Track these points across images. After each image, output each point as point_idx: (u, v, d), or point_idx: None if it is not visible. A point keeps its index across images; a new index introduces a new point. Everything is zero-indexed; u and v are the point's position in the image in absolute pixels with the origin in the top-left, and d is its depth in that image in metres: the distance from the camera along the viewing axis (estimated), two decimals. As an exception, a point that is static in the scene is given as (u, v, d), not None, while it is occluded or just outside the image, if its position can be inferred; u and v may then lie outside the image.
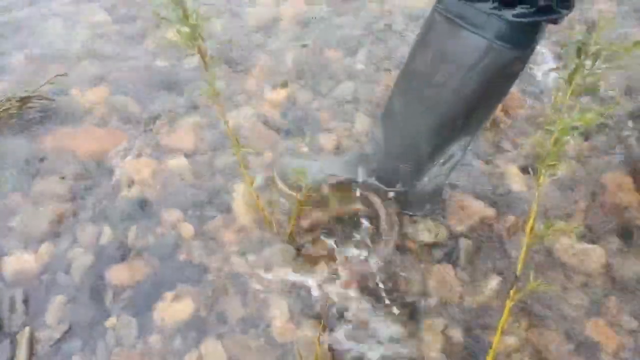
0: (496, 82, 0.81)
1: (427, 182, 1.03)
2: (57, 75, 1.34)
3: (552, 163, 0.75)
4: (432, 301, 1.00)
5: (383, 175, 1.05)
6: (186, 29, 0.73)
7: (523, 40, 0.76)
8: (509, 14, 0.72)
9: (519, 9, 0.72)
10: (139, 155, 1.23)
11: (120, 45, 1.52)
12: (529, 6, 0.72)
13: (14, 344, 0.90)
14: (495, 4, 0.72)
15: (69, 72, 1.41)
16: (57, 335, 0.92)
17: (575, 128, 0.73)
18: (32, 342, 0.90)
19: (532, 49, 0.80)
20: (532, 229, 0.79)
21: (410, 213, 1.11)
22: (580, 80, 0.72)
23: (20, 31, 1.55)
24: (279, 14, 1.63)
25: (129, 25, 1.60)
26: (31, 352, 0.89)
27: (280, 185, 1.13)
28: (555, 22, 0.72)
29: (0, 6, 1.61)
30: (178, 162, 1.23)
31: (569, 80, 0.73)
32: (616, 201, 1.15)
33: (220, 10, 1.63)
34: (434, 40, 0.81)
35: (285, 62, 1.49)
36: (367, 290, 1.01)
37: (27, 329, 0.91)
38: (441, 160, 0.99)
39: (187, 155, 1.24)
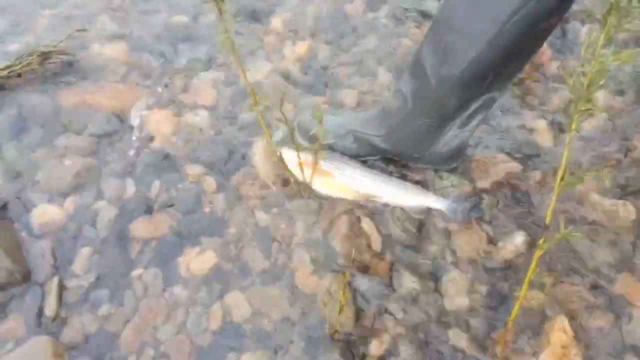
0: (532, 34, 0.78)
1: (452, 138, 1.01)
2: (77, 30, 1.32)
3: (585, 108, 0.72)
4: (456, 255, 0.99)
5: (404, 135, 1.03)
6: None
7: None
8: None
9: None
10: (160, 110, 1.23)
11: (138, 0, 1.50)
12: None
13: (43, 292, 0.92)
14: None
15: (88, 27, 1.39)
16: (85, 285, 0.94)
17: (607, 71, 0.70)
18: (61, 290, 0.92)
19: (571, 1, 0.76)
20: (562, 177, 0.77)
21: (434, 167, 1.10)
22: (614, 21, 0.68)
23: (37, -13, 1.53)
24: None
25: (145, -20, 1.56)
26: (60, 300, 0.92)
27: (301, 139, 1.12)
28: None
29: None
30: (198, 117, 1.22)
31: (604, 21, 0.69)
32: (648, 157, 1.11)
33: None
34: None
35: (305, 16, 1.45)
36: (389, 243, 1.01)
37: (55, 278, 0.93)
38: (467, 115, 0.96)
39: (207, 110, 1.23)
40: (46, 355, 0.84)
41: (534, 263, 0.80)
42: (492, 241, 1.02)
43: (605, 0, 0.67)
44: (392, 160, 1.12)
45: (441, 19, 0.86)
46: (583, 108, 0.72)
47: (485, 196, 1.06)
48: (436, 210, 1.04)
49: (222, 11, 0.77)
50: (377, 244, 1.00)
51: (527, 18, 0.75)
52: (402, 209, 1.04)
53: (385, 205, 1.05)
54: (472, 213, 1.04)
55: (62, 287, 0.92)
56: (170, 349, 0.88)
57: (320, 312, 0.92)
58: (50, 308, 0.89)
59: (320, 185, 1.06)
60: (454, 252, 1.00)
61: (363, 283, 0.96)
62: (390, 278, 0.97)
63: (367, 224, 1.02)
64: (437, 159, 1.06)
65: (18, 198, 1.07)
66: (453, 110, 0.94)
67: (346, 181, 1.05)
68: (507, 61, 0.84)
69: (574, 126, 0.73)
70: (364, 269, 0.98)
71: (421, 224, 1.02)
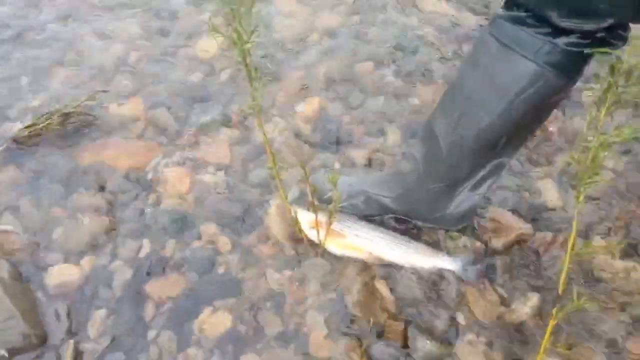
0: (542, 107, 0.82)
1: (463, 200, 1.03)
2: (98, 91, 1.37)
3: (591, 181, 0.75)
4: (470, 318, 0.99)
5: (415, 197, 1.05)
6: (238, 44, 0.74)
7: (573, 68, 0.77)
8: (563, 41, 0.72)
9: (573, 38, 0.72)
10: (175, 169, 1.25)
11: (154, 59, 1.55)
12: (582, 35, 0.72)
13: (59, 356, 0.92)
14: (550, 31, 0.72)
15: (105, 86, 1.44)
16: (100, 348, 0.94)
17: (612, 144, 0.72)
18: (76, 354, 0.92)
19: (579, 77, 0.80)
20: (572, 247, 0.79)
21: (445, 228, 1.11)
22: (614, 97, 0.72)
23: (57, 46, 1.59)
24: (311, 26, 1.65)
25: (161, 39, 1.63)
26: (75, 364, 0.92)
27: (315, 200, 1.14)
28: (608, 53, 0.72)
29: (36, 23, 1.66)
30: (213, 176, 1.24)
31: (604, 97, 0.72)
32: (657, 218, 1.13)
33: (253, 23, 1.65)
34: (484, 62, 0.81)
35: (316, 75, 1.50)
36: (403, 304, 1.01)
37: (71, 342, 0.93)
38: (478, 179, 0.98)
39: (221, 169, 1.26)
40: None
41: (548, 332, 0.81)
42: (505, 303, 1.02)
43: (605, 68, 0.70)
44: (403, 219, 1.13)
45: (454, 88, 0.90)
46: (588, 181, 0.74)
47: (497, 257, 1.08)
48: (448, 271, 1.05)
49: (252, 79, 0.80)
50: (391, 305, 1.00)
51: (535, 96, 0.78)
52: (414, 269, 1.05)
53: (397, 265, 1.06)
54: (483, 274, 1.05)
55: (77, 351, 0.92)
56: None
57: (336, 378, 0.91)
58: (65, 373, 0.89)
59: (334, 245, 1.07)
60: (468, 313, 1.00)
61: (378, 348, 0.95)
62: (405, 340, 0.97)
63: (381, 285, 1.03)
64: (447, 221, 1.08)
65: (33, 257, 1.08)
66: (464, 175, 0.97)
67: (358, 242, 1.07)
68: (517, 131, 0.88)
69: (580, 198, 0.75)
70: (379, 332, 0.98)
71: (434, 284, 1.03)
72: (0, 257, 1.05)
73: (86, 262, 1.07)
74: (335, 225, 1.05)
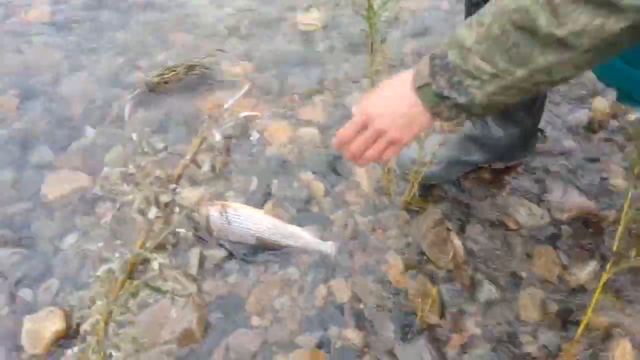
0: None
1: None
2: (216, 49, 1.59)
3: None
4: (532, 274, 1.13)
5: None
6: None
7: None
8: None
9: None
10: (277, 122, 1.45)
11: (262, 27, 1.75)
12: None
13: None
14: None
15: (220, 47, 1.65)
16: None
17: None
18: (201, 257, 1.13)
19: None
20: (627, 212, 0.91)
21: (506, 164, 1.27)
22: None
23: (177, 12, 1.81)
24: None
25: (266, 8, 1.82)
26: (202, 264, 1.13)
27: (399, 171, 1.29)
28: None
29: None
30: (310, 132, 1.43)
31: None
32: None
33: None
34: None
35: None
36: (472, 259, 1.16)
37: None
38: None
39: (317, 126, 1.44)
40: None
41: (600, 285, 0.93)
42: (565, 268, 1.15)
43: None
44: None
45: None
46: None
47: (563, 227, 1.20)
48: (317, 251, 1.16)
49: (373, 50, 0.97)
50: (461, 254, 1.15)
51: None
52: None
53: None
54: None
55: (202, 255, 1.14)
56: (284, 315, 1.07)
57: (410, 304, 1.08)
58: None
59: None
60: (531, 270, 1.13)
61: (447, 288, 1.11)
62: (472, 284, 1.12)
63: (454, 235, 1.18)
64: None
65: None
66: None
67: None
68: None
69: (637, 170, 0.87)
70: (449, 275, 1.13)
71: (506, 241, 1.17)
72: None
73: (204, 190, 1.29)
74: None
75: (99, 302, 0.57)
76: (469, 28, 0.68)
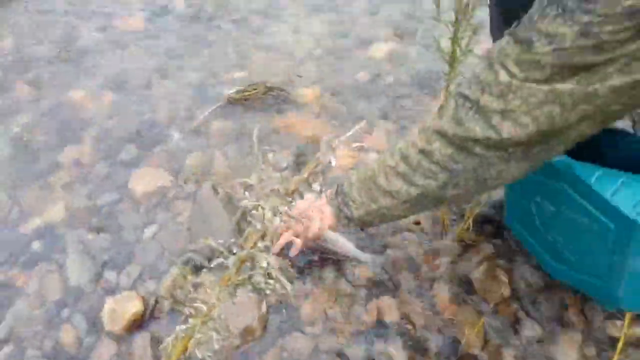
0: None
1: None
2: (292, 74, 1.72)
3: None
4: (577, 318, 1.18)
5: None
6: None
7: None
8: None
9: None
10: (342, 147, 1.55)
11: (335, 55, 1.88)
12: None
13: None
14: None
15: (296, 71, 1.79)
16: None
17: None
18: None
19: None
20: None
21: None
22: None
23: (258, 33, 1.97)
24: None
25: (341, 40, 1.95)
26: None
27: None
28: None
29: (241, 16, 2.06)
30: (373, 158, 1.53)
31: None
32: None
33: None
34: None
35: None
36: (518, 297, 1.22)
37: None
38: None
39: (379, 153, 1.54)
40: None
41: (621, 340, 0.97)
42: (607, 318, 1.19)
43: None
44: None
45: None
46: None
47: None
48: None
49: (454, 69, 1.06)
50: (507, 290, 1.22)
51: None
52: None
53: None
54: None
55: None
56: (336, 325, 1.16)
57: (455, 332, 1.15)
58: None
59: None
60: (576, 315, 1.18)
61: (492, 321, 1.17)
62: (515, 322, 1.18)
63: (501, 272, 1.24)
64: None
65: (233, 189, 1.44)
66: None
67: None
68: None
69: None
70: (494, 309, 1.19)
71: (550, 285, 1.23)
72: (217, 184, 1.41)
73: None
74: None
75: (208, 290, 0.68)
76: (359, 170, 1.00)
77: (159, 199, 1.41)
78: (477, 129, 0.73)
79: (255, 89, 1.65)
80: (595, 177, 0.88)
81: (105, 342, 1.12)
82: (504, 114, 0.70)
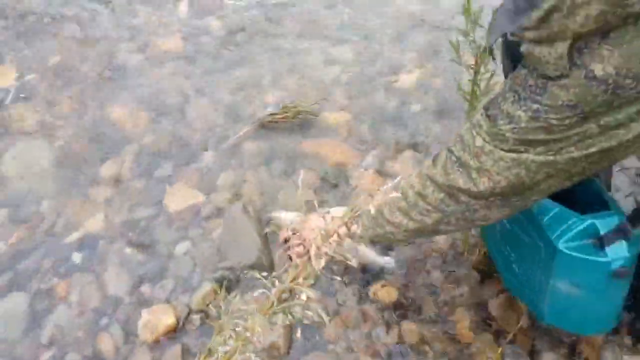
0: None
1: None
2: (321, 99, 1.80)
3: None
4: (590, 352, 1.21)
5: None
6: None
7: None
8: None
9: None
10: (369, 171, 1.62)
11: (364, 82, 1.95)
12: None
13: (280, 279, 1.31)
14: None
15: (325, 96, 1.86)
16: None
17: None
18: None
19: None
20: None
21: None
22: None
23: (291, 58, 2.05)
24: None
25: (369, 67, 2.02)
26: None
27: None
28: None
29: (275, 40, 2.14)
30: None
31: None
32: None
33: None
34: None
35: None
36: (536, 327, 1.25)
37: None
38: None
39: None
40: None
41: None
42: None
43: None
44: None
45: None
46: None
47: None
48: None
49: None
50: (525, 320, 1.25)
51: None
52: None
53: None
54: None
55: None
56: (357, 346, 1.21)
57: (473, 358, 1.19)
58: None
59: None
60: (590, 349, 1.21)
61: (510, 350, 1.21)
62: (532, 352, 1.21)
63: (521, 303, 1.28)
64: None
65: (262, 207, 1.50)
66: None
67: None
68: None
69: None
70: (512, 338, 1.23)
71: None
72: (245, 202, 1.48)
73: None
74: None
75: (248, 318, 0.74)
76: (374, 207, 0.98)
77: (192, 216, 1.49)
78: (460, 181, 0.85)
79: (286, 112, 1.72)
80: (539, 204, 0.99)
81: (140, 351, 1.19)
82: (479, 171, 0.82)
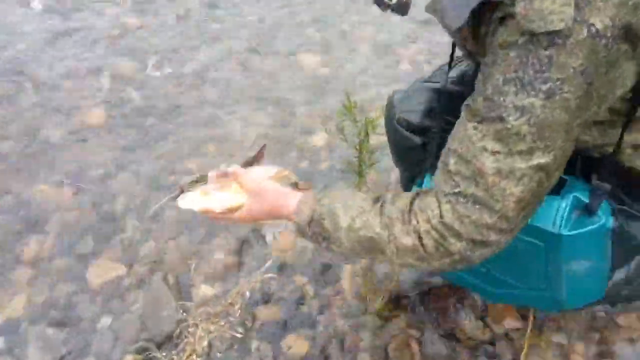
0: None
1: None
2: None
3: None
4: (476, 381, 1.38)
5: None
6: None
7: None
8: None
9: None
10: (286, 233, 1.76)
11: (279, 143, 2.11)
12: None
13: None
14: None
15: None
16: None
17: None
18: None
19: None
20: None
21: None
22: None
23: (210, 125, 2.20)
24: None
25: (285, 130, 2.19)
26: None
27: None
28: None
29: (193, 109, 2.29)
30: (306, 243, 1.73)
31: None
32: None
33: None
34: None
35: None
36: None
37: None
38: None
39: (314, 237, 1.75)
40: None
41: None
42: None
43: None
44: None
45: None
46: None
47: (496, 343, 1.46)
48: None
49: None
50: (419, 358, 1.41)
51: None
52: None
53: None
54: None
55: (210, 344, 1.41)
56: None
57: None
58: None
59: None
60: None
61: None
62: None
63: (413, 342, 1.44)
64: None
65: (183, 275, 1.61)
66: None
67: None
68: None
69: None
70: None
71: (455, 349, 1.43)
72: (168, 271, 1.58)
73: (218, 286, 1.58)
74: None
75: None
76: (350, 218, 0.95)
77: (114, 289, 1.57)
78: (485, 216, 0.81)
79: (206, 178, 1.84)
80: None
81: None
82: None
